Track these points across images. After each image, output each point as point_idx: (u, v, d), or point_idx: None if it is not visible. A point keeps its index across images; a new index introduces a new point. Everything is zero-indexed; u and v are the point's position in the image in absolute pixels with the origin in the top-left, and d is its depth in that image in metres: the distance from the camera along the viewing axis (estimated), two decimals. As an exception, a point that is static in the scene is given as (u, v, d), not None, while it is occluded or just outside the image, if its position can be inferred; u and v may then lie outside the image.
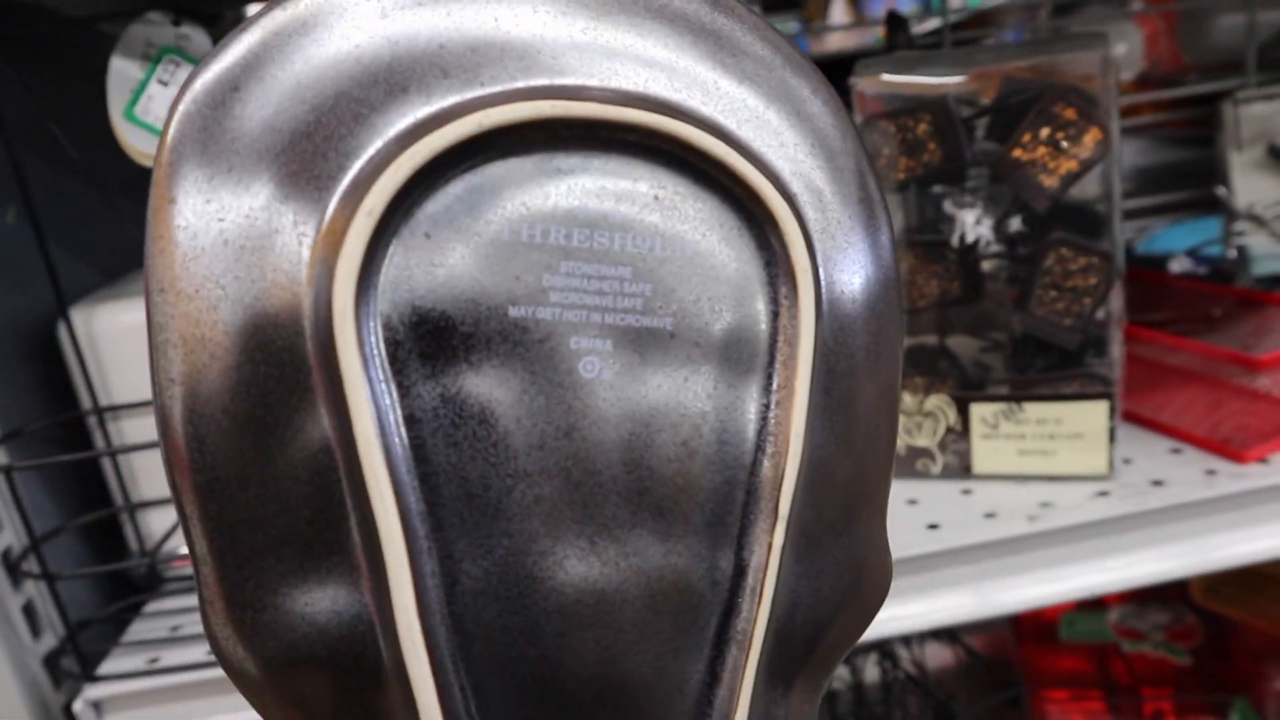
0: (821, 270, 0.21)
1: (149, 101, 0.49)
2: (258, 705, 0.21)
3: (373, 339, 0.19)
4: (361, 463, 0.19)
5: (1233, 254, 0.77)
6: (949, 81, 0.55)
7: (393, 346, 0.19)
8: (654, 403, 0.21)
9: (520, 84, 0.20)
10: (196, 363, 0.19)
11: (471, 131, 0.19)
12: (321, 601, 0.20)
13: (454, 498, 0.20)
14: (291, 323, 0.19)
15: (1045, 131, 0.53)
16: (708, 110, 0.21)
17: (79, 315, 0.57)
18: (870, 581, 0.24)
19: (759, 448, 0.21)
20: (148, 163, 0.48)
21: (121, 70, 0.49)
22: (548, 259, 0.20)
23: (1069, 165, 0.53)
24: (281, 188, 0.19)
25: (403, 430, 0.19)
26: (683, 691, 0.22)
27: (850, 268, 0.22)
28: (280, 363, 0.19)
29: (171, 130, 0.19)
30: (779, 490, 0.21)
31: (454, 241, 0.20)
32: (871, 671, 0.82)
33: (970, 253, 0.56)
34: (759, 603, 0.21)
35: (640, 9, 0.21)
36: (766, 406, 0.21)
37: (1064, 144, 0.53)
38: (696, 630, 0.21)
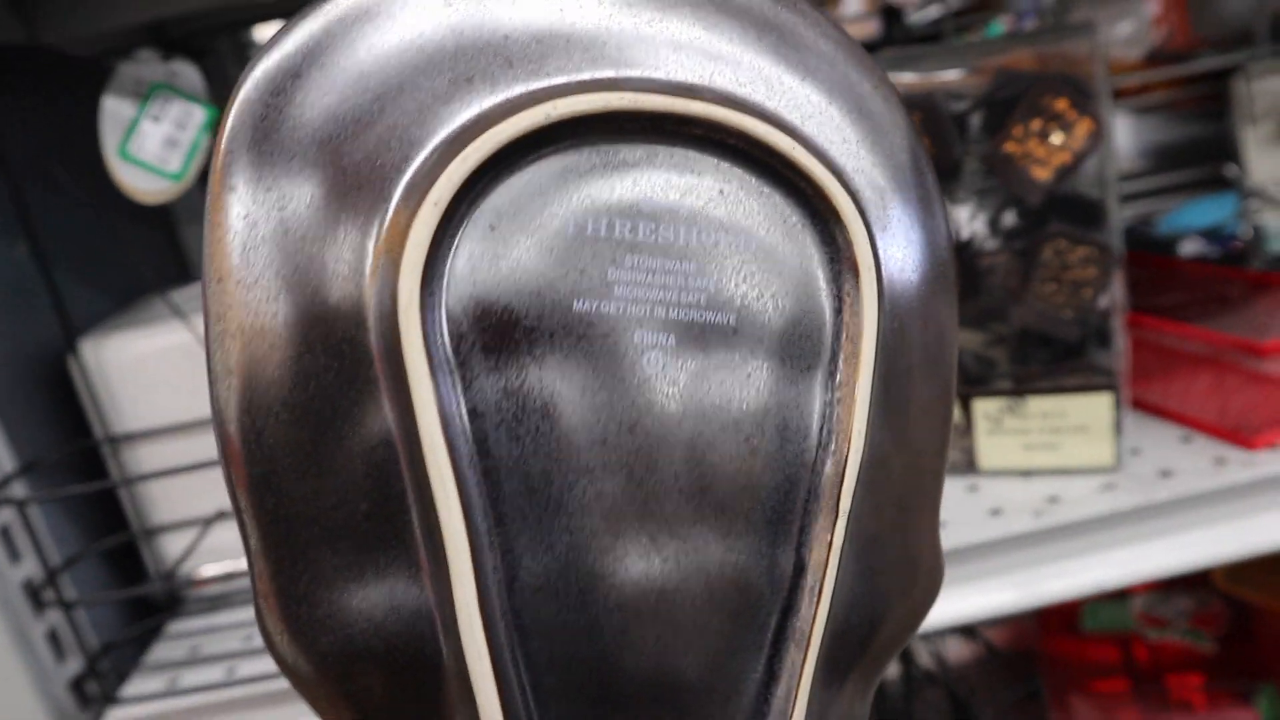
0: (883, 266, 0.21)
1: (141, 139, 0.50)
2: (312, 703, 0.21)
3: (437, 332, 0.19)
4: (425, 457, 0.18)
5: (1248, 233, 0.76)
6: (938, 78, 0.54)
7: (456, 340, 0.19)
8: (717, 399, 0.21)
9: (586, 75, 0.20)
10: (255, 354, 0.19)
11: (539, 123, 0.19)
12: (378, 597, 0.19)
13: (516, 493, 0.20)
14: (353, 314, 0.19)
15: (1037, 124, 0.53)
16: (772, 105, 0.21)
17: (89, 345, 0.58)
18: (923, 579, 0.24)
19: (820, 445, 0.21)
20: (143, 199, 0.49)
21: (114, 109, 0.50)
22: (612, 252, 0.20)
23: (1062, 157, 0.53)
24: (344, 177, 0.19)
25: (466, 424, 0.19)
26: (740, 690, 0.21)
27: (910, 264, 0.22)
28: (341, 355, 0.19)
29: (231, 117, 0.19)
30: (840, 488, 0.21)
31: (518, 234, 0.20)
32: (891, 667, 0.82)
33: (966, 250, 0.55)
34: (818, 601, 0.21)
35: (705, 1, 0.21)
36: (829, 403, 0.21)
37: (1056, 136, 0.52)
38: (755, 628, 0.21)
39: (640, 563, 0.20)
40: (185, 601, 0.63)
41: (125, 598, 0.58)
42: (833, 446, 0.21)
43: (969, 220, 0.55)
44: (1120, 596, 0.83)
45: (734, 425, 0.21)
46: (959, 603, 0.55)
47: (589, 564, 0.20)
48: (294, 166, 0.19)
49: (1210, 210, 0.86)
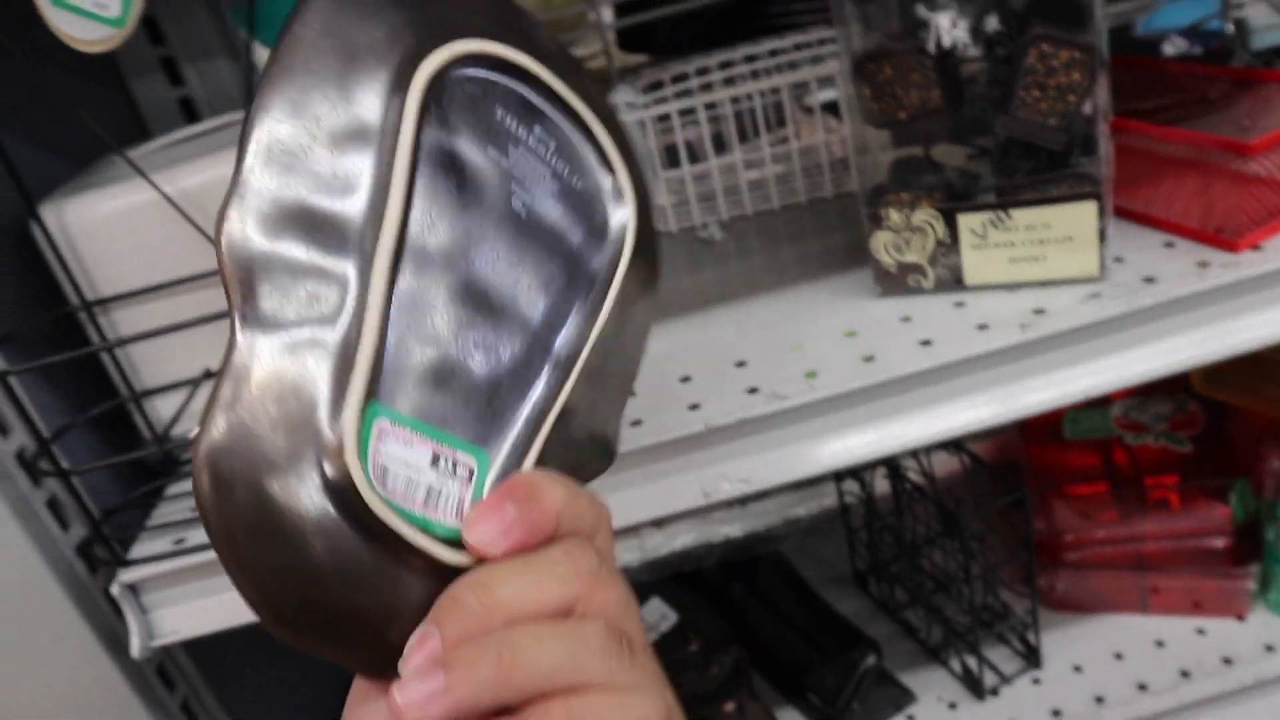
0: None
1: (78, -17, 0.47)
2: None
3: None
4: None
5: (1230, 29, 0.74)
6: (916, -125, 0.51)
7: None
8: None
9: None
10: None
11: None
12: None
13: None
14: None
15: (1020, -80, 0.50)
16: None
17: (50, 211, 0.56)
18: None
19: None
20: (83, 48, 0.47)
21: (43, -48, 0.46)
22: None
23: (1047, -46, 0.50)
24: None
25: None
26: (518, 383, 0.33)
27: None
28: None
29: None
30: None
31: None
32: (881, 484, 0.84)
33: (948, 58, 0.54)
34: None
35: None
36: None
37: (1041, -68, 0.50)
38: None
39: None
40: (181, 462, 0.63)
41: (121, 463, 0.58)
42: None
43: (950, 28, 0.53)
44: (1100, 404, 0.85)
45: None
46: (948, 418, 0.56)
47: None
48: None
49: (1197, 7, 0.84)
